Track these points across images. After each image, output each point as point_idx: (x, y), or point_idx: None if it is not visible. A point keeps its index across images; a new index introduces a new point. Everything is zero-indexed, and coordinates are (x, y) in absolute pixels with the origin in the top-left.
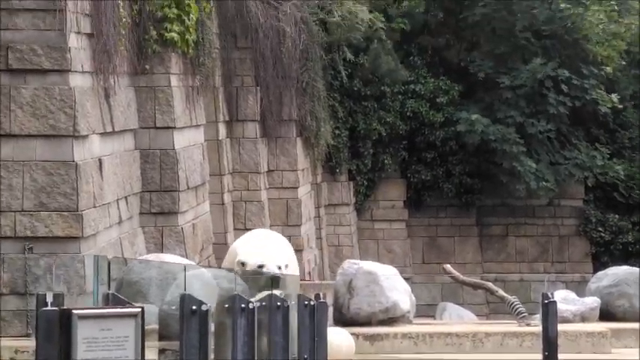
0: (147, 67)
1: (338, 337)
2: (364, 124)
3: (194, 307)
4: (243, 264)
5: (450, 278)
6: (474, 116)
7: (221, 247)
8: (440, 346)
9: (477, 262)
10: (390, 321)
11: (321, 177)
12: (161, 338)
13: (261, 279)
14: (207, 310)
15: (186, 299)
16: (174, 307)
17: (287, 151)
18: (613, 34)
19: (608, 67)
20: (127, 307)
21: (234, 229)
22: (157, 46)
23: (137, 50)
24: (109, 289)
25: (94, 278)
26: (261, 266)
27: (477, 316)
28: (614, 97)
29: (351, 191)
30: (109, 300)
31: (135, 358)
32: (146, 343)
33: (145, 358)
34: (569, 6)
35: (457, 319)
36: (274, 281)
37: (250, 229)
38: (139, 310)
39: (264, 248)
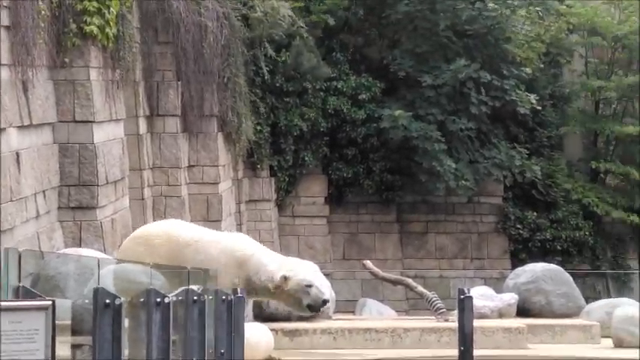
0: (66, 60)
1: (257, 333)
2: (286, 121)
3: (107, 301)
4: (286, 278)
5: (370, 274)
6: (397, 112)
7: None
8: (359, 341)
9: (397, 259)
10: (310, 317)
11: (242, 173)
12: (76, 333)
13: (182, 274)
14: (120, 304)
15: (99, 293)
16: (87, 301)
17: (208, 147)
18: (533, 36)
19: (527, 69)
20: (38, 300)
21: None
22: (76, 39)
23: (56, 43)
24: (19, 282)
25: (3, 271)
26: (309, 286)
27: (397, 312)
28: (533, 98)
29: (272, 187)
30: (20, 293)
31: (45, 351)
32: (61, 339)
33: (59, 353)
34: (496, 7)
35: (377, 315)
36: (324, 304)
37: None
38: (50, 303)
39: (287, 258)
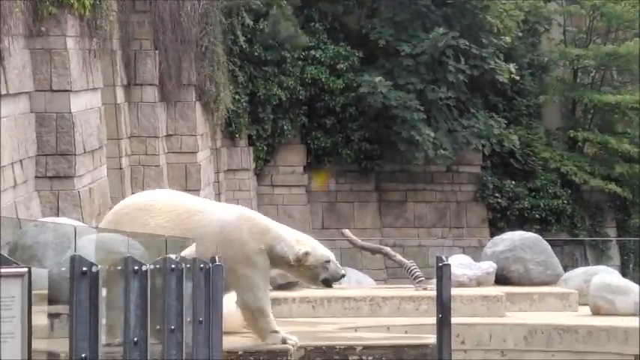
0: (42, 29)
1: (235, 302)
2: (264, 90)
3: (84, 269)
4: (307, 254)
5: (349, 243)
6: (377, 79)
7: None
8: (338, 310)
9: (376, 228)
10: (289, 285)
11: (221, 142)
12: (54, 302)
13: (160, 243)
14: (97, 272)
15: (76, 261)
16: (64, 270)
17: (186, 116)
18: (511, 4)
19: (506, 37)
20: (13, 267)
21: (132, 193)
22: (52, 7)
23: (32, 12)
24: None
25: None
26: (328, 261)
27: (376, 280)
28: (512, 67)
29: (251, 156)
30: None
31: (22, 318)
32: (39, 308)
33: (37, 322)
34: None
35: (356, 283)
36: (342, 278)
37: None
38: (26, 270)
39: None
